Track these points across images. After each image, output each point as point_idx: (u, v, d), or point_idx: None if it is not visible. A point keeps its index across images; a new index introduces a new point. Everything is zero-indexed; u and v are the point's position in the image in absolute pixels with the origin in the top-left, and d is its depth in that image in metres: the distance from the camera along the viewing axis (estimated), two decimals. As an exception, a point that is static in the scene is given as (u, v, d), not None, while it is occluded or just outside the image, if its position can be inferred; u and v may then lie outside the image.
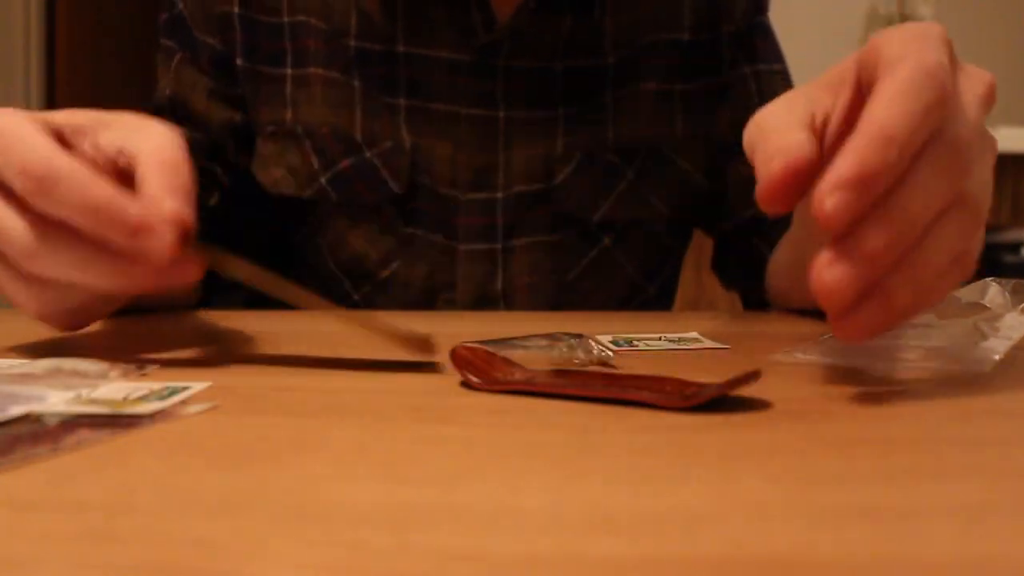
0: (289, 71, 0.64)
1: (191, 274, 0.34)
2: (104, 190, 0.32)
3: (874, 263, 0.27)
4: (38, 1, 2.17)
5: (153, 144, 0.35)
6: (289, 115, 0.64)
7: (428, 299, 0.66)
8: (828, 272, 0.27)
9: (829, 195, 0.26)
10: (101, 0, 2.43)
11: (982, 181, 0.30)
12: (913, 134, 0.27)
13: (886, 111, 0.27)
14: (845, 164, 0.27)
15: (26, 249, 0.33)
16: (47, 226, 0.33)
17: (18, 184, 0.32)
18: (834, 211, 0.26)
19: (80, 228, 0.32)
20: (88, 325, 0.39)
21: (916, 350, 0.33)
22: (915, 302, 0.28)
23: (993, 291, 0.37)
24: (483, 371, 0.31)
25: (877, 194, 0.27)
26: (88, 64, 2.36)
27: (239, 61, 0.64)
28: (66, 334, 0.41)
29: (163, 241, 0.32)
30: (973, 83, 0.31)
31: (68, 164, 0.32)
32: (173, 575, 0.15)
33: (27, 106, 2.17)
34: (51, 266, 0.33)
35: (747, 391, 0.30)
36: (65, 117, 0.36)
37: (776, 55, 0.71)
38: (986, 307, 0.36)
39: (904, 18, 2.39)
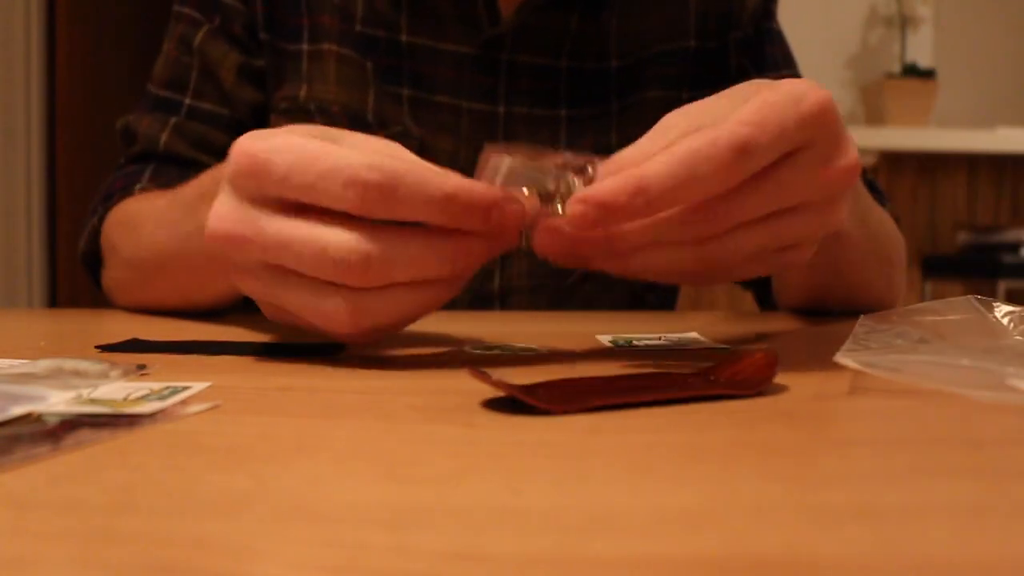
0: (305, 47, 0.64)
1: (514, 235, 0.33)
2: (446, 178, 0.31)
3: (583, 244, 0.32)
4: (38, 1, 2.17)
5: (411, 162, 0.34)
6: (303, 91, 0.64)
7: None
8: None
9: (576, 202, 0.31)
10: (101, 0, 2.42)
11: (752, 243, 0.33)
12: (663, 195, 0.30)
13: (655, 165, 0.30)
14: (603, 188, 0.30)
15: (353, 260, 0.31)
16: (367, 228, 0.31)
17: (349, 196, 0.30)
18: (571, 217, 0.31)
19: (429, 222, 0.31)
20: (396, 331, 0.36)
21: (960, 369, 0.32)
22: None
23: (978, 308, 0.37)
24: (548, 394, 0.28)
25: (617, 223, 0.32)
26: (88, 64, 2.36)
27: (262, 35, 0.64)
28: (70, 335, 0.40)
29: (514, 206, 0.32)
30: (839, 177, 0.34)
31: (399, 163, 0.31)
32: (173, 575, 0.15)
33: (27, 106, 2.18)
34: (386, 271, 0.31)
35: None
36: (312, 129, 0.34)
37: (786, 60, 0.70)
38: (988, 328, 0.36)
39: (903, 18, 2.39)
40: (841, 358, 0.32)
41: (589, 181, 0.33)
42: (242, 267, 0.34)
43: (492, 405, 0.28)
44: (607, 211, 0.30)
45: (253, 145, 0.32)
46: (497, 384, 0.27)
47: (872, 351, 0.33)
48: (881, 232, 0.56)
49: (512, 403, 0.27)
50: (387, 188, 0.30)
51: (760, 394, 0.29)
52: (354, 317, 0.32)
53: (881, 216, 0.58)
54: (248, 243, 0.32)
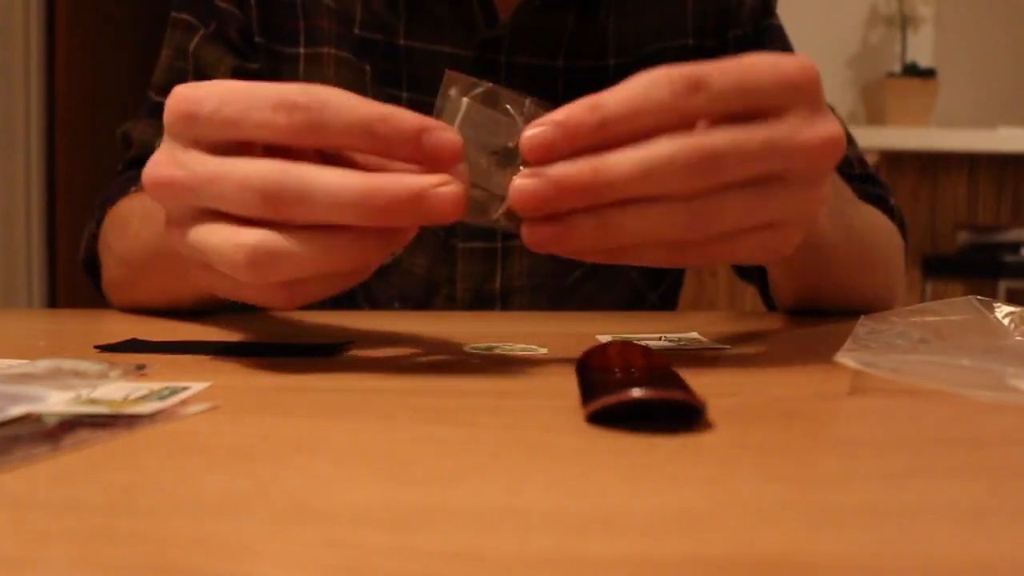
0: (302, 50, 0.64)
1: (455, 204, 0.31)
2: (372, 104, 0.30)
3: (558, 187, 0.30)
4: (38, 1, 2.17)
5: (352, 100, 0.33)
6: None
7: (429, 292, 0.66)
8: (518, 181, 0.31)
9: (533, 126, 0.31)
10: (101, 0, 2.42)
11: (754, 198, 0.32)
12: (627, 116, 0.30)
13: (611, 90, 0.31)
14: (559, 110, 0.31)
15: (270, 192, 0.30)
16: (286, 163, 0.30)
17: (279, 120, 0.30)
18: (527, 141, 0.31)
19: (358, 148, 0.31)
20: (307, 302, 0.34)
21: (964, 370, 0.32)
22: (597, 239, 0.31)
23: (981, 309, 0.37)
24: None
25: (575, 144, 0.31)
26: (88, 64, 2.36)
27: (257, 39, 0.64)
28: (70, 335, 0.40)
29: (448, 135, 0.30)
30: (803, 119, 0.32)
31: (323, 88, 0.30)
32: (173, 575, 0.15)
33: (27, 106, 2.18)
34: (297, 203, 0.30)
35: (747, 391, 0.30)
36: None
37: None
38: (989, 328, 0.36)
39: (904, 18, 2.39)
40: (841, 358, 0.32)
41: None
42: (175, 219, 0.33)
43: (492, 405, 0.28)
44: (563, 129, 0.30)
45: (186, 90, 0.32)
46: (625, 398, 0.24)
47: (872, 351, 0.33)
48: (868, 235, 0.56)
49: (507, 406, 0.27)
50: (315, 109, 0.30)
51: (753, 400, 0.29)
52: (252, 260, 0.31)
53: (870, 220, 0.57)
54: (178, 185, 0.32)
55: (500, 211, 0.33)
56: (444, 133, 0.30)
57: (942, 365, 0.30)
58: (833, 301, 0.54)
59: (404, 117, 0.30)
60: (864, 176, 0.66)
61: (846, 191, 0.52)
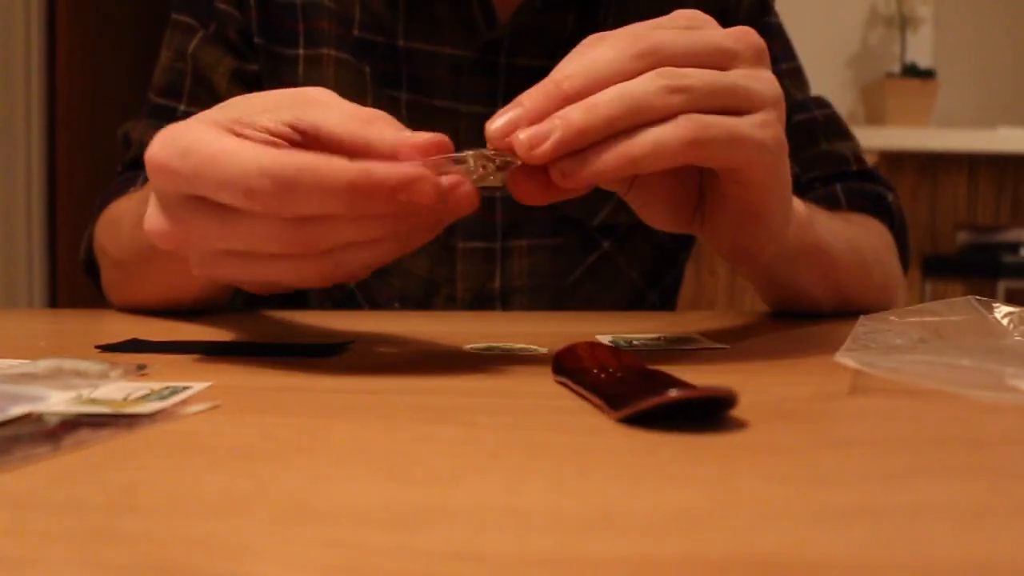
0: (302, 51, 0.64)
1: (471, 199, 0.31)
2: (345, 167, 0.29)
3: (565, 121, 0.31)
4: (38, 1, 2.17)
5: (338, 111, 0.33)
6: None
7: (429, 292, 0.66)
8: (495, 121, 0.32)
9: (498, 116, 0.32)
10: (101, 0, 2.42)
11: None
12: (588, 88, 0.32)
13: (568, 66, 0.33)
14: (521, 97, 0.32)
15: (290, 236, 0.30)
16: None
17: (254, 207, 0.30)
18: (498, 127, 0.32)
19: (337, 215, 0.30)
20: (369, 272, 0.34)
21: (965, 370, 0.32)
22: (584, 123, 0.31)
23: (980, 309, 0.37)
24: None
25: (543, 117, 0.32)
26: (88, 64, 2.36)
27: (256, 39, 0.64)
28: (70, 335, 0.40)
29: (428, 185, 0.30)
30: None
31: (288, 158, 0.29)
32: (173, 575, 0.15)
33: (27, 106, 2.18)
34: (322, 239, 0.30)
35: (747, 391, 0.30)
36: (217, 112, 0.33)
37: (786, 54, 0.70)
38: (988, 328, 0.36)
39: (904, 18, 2.39)
40: (841, 358, 0.32)
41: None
42: (197, 259, 0.34)
43: (492, 405, 0.28)
44: (528, 111, 0.31)
45: (158, 155, 0.31)
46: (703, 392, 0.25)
47: (872, 351, 0.33)
48: (855, 241, 0.56)
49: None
50: (283, 191, 0.29)
51: (753, 400, 0.29)
52: (318, 273, 0.32)
53: (855, 232, 0.57)
54: (184, 237, 0.32)
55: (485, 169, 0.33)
56: (422, 184, 0.30)
57: (942, 365, 0.30)
58: (814, 305, 0.54)
59: (378, 177, 0.29)
60: (862, 173, 0.66)
61: (817, 209, 0.52)
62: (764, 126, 0.34)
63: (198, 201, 0.31)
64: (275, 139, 0.31)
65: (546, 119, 0.31)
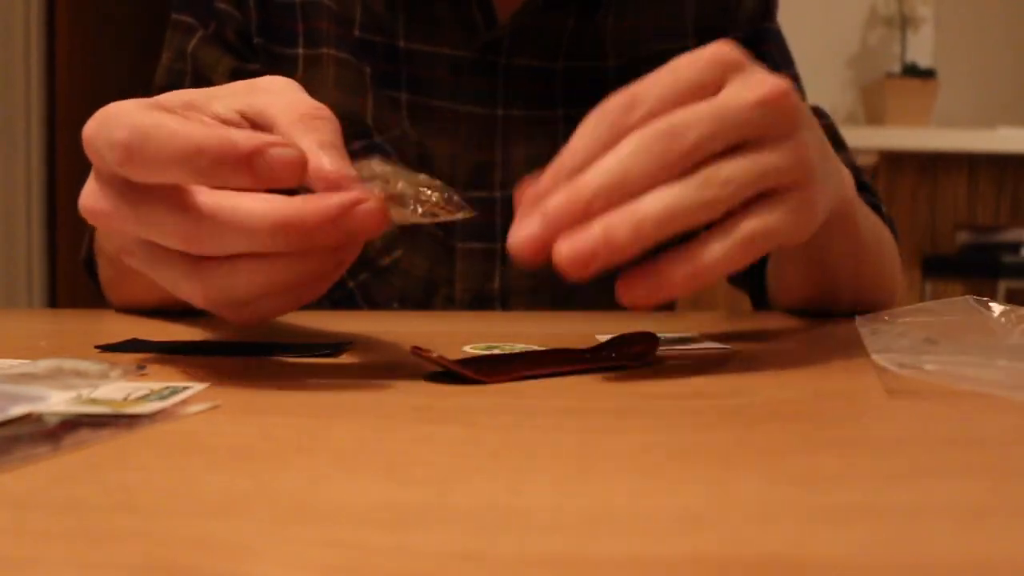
0: (301, 51, 0.64)
1: (376, 217, 0.30)
2: (199, 130, 0.28)
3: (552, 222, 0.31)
4: (38, 1, 2.17)
5: (284, 101, 0.32)
6: None
7: (428, 292, 0.66)
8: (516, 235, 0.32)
9: (518, 228, 0.33)
10: (101, 0, 2.42)
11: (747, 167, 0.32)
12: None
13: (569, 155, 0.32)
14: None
15: (186, 229, 0.29)
16: (195, 199, 0.29)
17: (113, 158, 0.29)
18: (522, 241, 0.32)
19: (188, 182, 0.29)
20: (263, 321, 0.34)
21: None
22: (632, 240, 0.31)
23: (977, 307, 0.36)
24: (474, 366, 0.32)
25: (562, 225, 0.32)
26: (88, 64, 2.36)
27: (256, 39, 0.64)
28: (70, 335, 0.40)
29: (288, 155, 0.28)
30: (740, 88, 0.33)
31: (154, 117, 0.28)
32: (173, 575, 0.15)
33: (27, 106, 2.18)
34: (214, 240, 0.30)
35: (747, 391, 0.30)
36: (172, 96, 0.33)
37: (784, 60, 0.70)
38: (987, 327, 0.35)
39: (904, 18, 2.39)
40: (878, 359, 0.32)
41: (448, 200, 0.32)
42: (121, 245, 0.33)
43: (492, 405, 0.28)
44: (548, 219, 0.31)
45: (89, 127, 0.31)
46: (436, 360, 0.31)
47: (903, 352, 0.33)
48: (877, 234, 0.56)
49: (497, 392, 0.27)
50: (134, 146, 0.28)
51: (753, 400, 0.29)
52: (204, 291, 0.31)
53: (876, 220, 0.58)
54: (106, 217, 0.31)
55: (419, 210, 0.32)
56: (281, 150, 0.28)
57: (979, 365, 0.30)
58: (835, 301, 0.54)
59: (232, 141, 0.28)
60: (858, 184, 0.66)
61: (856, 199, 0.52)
62: (797, 211, 0.33)
63: (115, 179, 0.30)
64: (222, 124, 0.31)
65: (588, 233, 0.31)
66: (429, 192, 0.32)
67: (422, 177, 0.32)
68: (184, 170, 0.28)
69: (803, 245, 0.45)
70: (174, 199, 0.29)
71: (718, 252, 0.32)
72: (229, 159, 0.28)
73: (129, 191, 0.30)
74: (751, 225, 0.32)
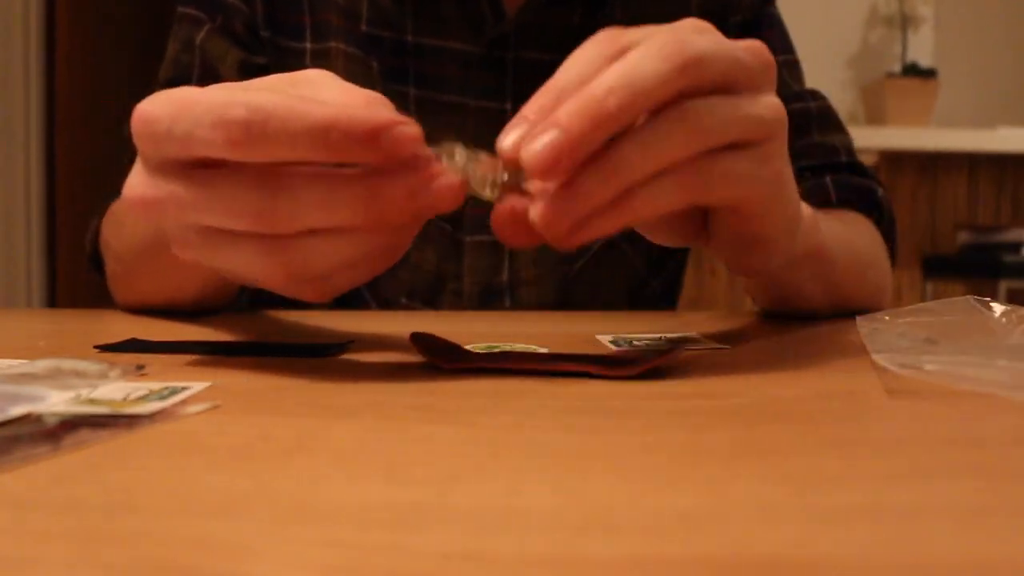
0: (309, 45, 0.64)
1: (452, 192, 0.29)
2: (321, 107, 0.28)
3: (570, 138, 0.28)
4: (38, 1, 2.17)
5: (337, 90, 0.32)
6: None
7: (437, 286, 0.66)
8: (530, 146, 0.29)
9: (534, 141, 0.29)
10: (101, 0, 2.42)
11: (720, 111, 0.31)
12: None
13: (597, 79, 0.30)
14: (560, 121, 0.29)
15: (262, 207, 0.29)
16: (270, 174, 0.29)
17: (217, 139, 0.28)
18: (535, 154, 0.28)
19: (313, 159, 0.28)
20: (337, 294, 0.33)
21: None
22: (606, 185, 0.29)
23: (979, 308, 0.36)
24: (444, 354, 0.35)
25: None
26: (88, 64, 2.36)
27: (263, 32, 0.64)
28: (70, 335, 0.40)
29: (408, 129, 0.28)
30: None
31: (266, 96, 0.28)
32: (173, 575, 0.15)
33: (27, 106, 2.18)
34: (296, 216, 0.29)
35: (747, 391, 0.30)
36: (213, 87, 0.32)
37: (784, 45, 0.70)
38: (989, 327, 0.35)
39: (904, 18, 2.39)
40: (877, 358, 0.32)
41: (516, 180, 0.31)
42: (175, 236, 0.32)
43: (493, 405, 0.28)
44: (564, 124, 0.28)
45: (143, 107, 0.30)
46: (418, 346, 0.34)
47: (903, 352, 0.33)
48: (853, 244, 0.56)
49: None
50: (255, 125, 0.28)
51: (753, 400, 0.29)
52: (285, 267, 0.30)
53: (852, 235, 0.57)
54: (161, 206, 0.31)
55: (493, 193, 0.31)
56: (404, 128, 0.28)
57: (979, 365, 0.30)
58: (809, 307, 0.54)
59: (359, 118, 0.28)
60: (851, 165, 0.66)
61: (820, 215, 0.52)
62: (765, 160, 0.33)
63: (176, 166, 0.30)
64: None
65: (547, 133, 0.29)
66: (503, 175, 0.31)
67: (490, 159, 0.31)
68: (310, 147, 0.28)
69: (770, 279, 0.45)
70: (249, 177, 0.29)
71: (653, 195, 0.30)
72: (356, 134, 0.28)
73: (193, 175, 0.30)
74: (703, 167, 0.31)
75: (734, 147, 0.32)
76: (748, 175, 0.33)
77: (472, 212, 0.64)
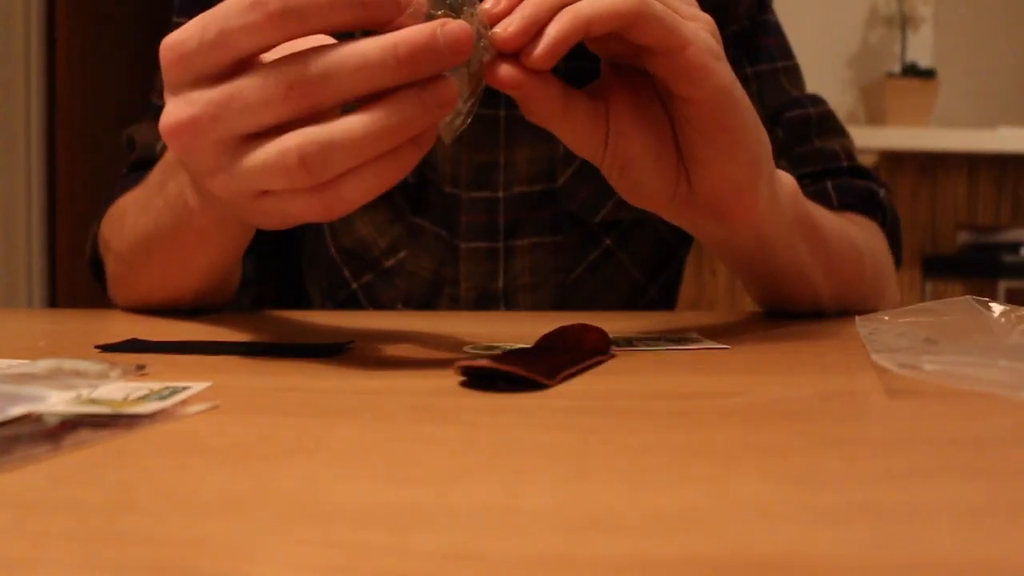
0: None
1: (465, 34, 0.31)
2: None
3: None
4: (38, 1, 2.17)
5: None
6: None
7: (433, 292, 0.66)
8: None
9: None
10: (101, 0, 2.42)
11: None
12: None
13: None
14: None
15: (293, 82, 0.30)
16: (295, 54, 0.31)
17: (256, 19, 0.30)
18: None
19: (347, 25, 0.31)
20: (354, 206, 0.33)
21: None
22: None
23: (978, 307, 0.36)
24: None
25: None
26: (88, 64, 2.36)
27: None
28: (70, 335, 0.40)
29: None
30: None
31: None
32: (173, 575, 0.15)
33: (27, 106, 2.17)
34: (331, 86, 0.31)
35: (747, 391, 0.30)
36: None
37: (783, 52, 0.70)
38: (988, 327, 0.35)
39: (904, 18, 2.39)
40: (877, 358, 0.32)
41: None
42: (208, 166, 0.33)
43: (493, 405, 0.28)
44: None
45: (170, 37, 0.32)
46: (489, 365, 0.30)
47: (903, 352, 0.33)
48: (846, 230, 0.55)
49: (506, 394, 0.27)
50: None
51: (753, 400, 0.29)
52: (326, 208, 0.32)
53: (843, 225, 0.57)
54: (196, 123, 0.32)
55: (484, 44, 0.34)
56: (452, 25, 0.31)
57: (979, 365, 0.30)
58: (811, 290, 0.53)
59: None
60: (852, 169, 0.66)
61: (810, 204, 0.52)
62: (699, 29, 0.36)
63: (207, 80, 0.31)
64: None
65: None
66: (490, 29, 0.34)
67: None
68: (346, 12, 0.30)
69: (766, 252, 0.45)
70: (278, 63, 0.31)
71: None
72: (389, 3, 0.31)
73: (224, 81, 0.31)
74: None
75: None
76: (687, 27, 0.35)
77: (468, 219, 0.64)
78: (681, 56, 0.35)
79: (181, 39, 0.32)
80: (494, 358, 0.31)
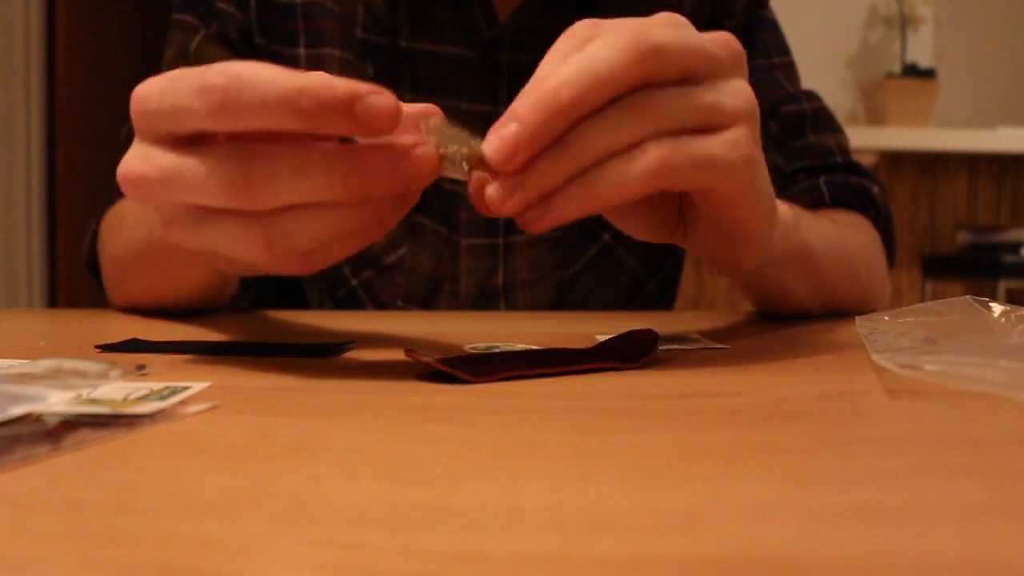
0: (303, 51, 0.65)
1: (430, 164, 0.30)
2: (298, 75, 0.28)
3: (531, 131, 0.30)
4: (38, 1, 2.17)
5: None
6: None
7: (433, 288, 0.66)
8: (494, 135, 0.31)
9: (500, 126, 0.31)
10: (101, 0, 2.43)
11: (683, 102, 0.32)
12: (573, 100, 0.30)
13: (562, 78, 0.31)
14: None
15: (236, 181, 0.29)
16: (248, 149, 0.29)
17: (198, 106, 0.29)
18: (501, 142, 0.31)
19: (286, 128, 0.28)
20: (328, 264, 0.33)
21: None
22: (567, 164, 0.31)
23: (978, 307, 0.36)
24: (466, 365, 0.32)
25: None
26: (88, 64, 2.36)
27: (257, 39, 0.65)
28: (70, 335, 0.40)
29: (382, 98, 0.28)
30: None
31: (248, 65, 0.28)
32: (173, 575, 0.15)
33: (27, 106, 2.17)
34: (272, 190, 0.29)
35: (747, 391, 0.30)
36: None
37: (779, 48, 0.70)
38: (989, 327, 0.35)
39: (904, 18, 2.39)
40: (877, 358, 0.32)
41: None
42: (164, 215, 0.33)
43: (492, 405, 0.28)
44: (525, 120, 0.30)
45: (141, 87, 0.31)
46: (426, 361, 0.32)
47: (903, 352, 0.33)
48: (842, 243, 0.55)
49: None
50: (232, 90, 0.28)
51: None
52: (267, 242, 0.30)
53: (837, 237, 0.57)
54: (148, 181, 0.31)
55: (465, 159, 0.32)
56: (379, 97, 0.28)
57: (979, 365, 0.30)
58: (801, 307, 0.53)
59: (332, 86, 0.28)
60: (846, 165, 0.66)
61: (803, 212, 0.51)
62: (735, 145, 0.33)
63: (166, 142, 0.30)
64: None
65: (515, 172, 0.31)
66: (480, 153, 0.32)
67: (475, 140, 0.32)
68: (284, 114, 0.28)
69: (755, 281, 0.45)
70: (228, 149, 0.29)
71: (619, 172, 0.31)
72: (331, 103, 0.27)
73: (179, 151, 0.30)
74: (670, 147, 0.31)
75: (703, 132, 0.32)
76: (715, 158, 0.32)
77: (468, 215, 0.64)
78: (715, 193, 0.34)
79: (147, 94, 0.31)
80: (440, 359, 0.32)
